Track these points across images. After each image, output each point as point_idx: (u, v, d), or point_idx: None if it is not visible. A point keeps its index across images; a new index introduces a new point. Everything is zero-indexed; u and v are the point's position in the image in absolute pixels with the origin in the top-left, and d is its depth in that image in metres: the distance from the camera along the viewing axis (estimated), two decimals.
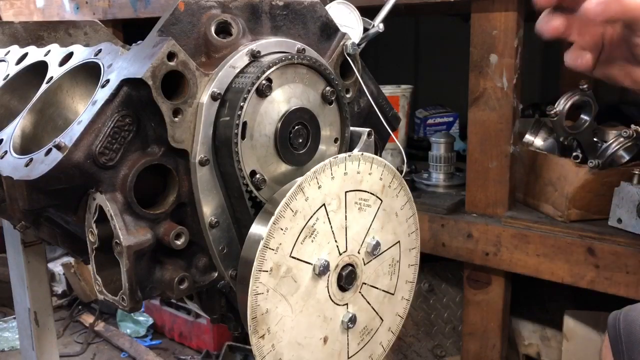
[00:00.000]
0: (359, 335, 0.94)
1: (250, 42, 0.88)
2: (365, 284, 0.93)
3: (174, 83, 0.81)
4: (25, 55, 1.18)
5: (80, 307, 3.02)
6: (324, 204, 0.84)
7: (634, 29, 0.78)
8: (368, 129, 0.97)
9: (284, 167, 0.89)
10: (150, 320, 2.81)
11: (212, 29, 0.85)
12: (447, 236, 1.90)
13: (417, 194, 2.07)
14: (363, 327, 0.94)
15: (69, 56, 1.05)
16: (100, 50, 0.96)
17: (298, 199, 0.81)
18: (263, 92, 0.83)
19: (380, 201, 0.92)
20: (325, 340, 0.88)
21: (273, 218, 0.79)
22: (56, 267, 3.06)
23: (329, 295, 0.88)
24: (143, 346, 2.67)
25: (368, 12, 1.08)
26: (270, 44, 0.89)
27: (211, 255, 0.88)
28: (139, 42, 0.89)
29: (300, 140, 0.90)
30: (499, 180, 1.84)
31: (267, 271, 0.79)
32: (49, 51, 1.12)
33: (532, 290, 2.09)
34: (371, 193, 0.90)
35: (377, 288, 0.95)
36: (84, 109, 0.82)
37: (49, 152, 0.80)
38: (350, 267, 0.89)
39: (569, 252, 1.67)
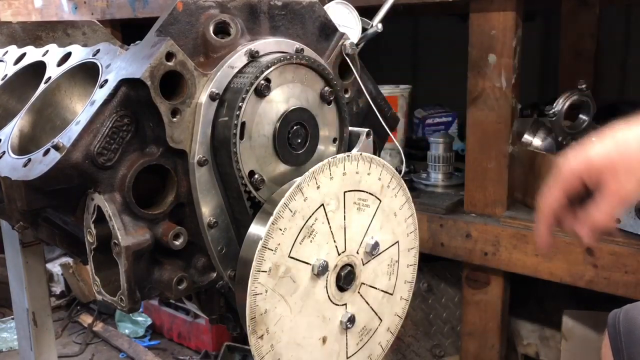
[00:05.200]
0: (357, 336, 0.94)
1: (248, 42, 0.88)
2: (364, 284, 0.92)
3: (173, 83, 0.81)
4: (23, 55, 1.18)
5: (78, 307, 3.02)
6: (322, 204, 0.84)
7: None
8: (367, 129, 0.97)
9: (282, 167, 0.89)
10: (149, 321, 2.80)
11: (211, 29, 0.85)
12: (445, 236, 1.90)
13: (416, 194, 2.07)
14: (362, 327, 0.94)
15: (67, 56, 1.04)
16: (98, 51, 0.95)
17: (297, 199, 0.81)
18: (262, 92, 0.83)
19: (379, 201, 0.92)
20: (324, 340, 0.88)
21: (272, 218, 0.79)
22: (55, 267, 3.05)
23: (328, 296, 0.88)
24: (142, 346, 2.66)
25: (367, 12, 1.08)
26: (269, 44, 0.89)
27: (210, 256, 0.88)
28: (137, 42, 0.89)
29: (299, 141, 0.90)
30: (497, 180, 1.84)
31: (265, 271, 0.79)
32: (47, 51, 1.11)
33: (531, 290, 2.09)
34: (370, 193, 0.90)
35: (375, 288, 0.95)
36: (82, 109, 0.82)
37: (47, 152, 0.80)
38: (349, 267, 0.89)
39: (568, 252, 1.66)
